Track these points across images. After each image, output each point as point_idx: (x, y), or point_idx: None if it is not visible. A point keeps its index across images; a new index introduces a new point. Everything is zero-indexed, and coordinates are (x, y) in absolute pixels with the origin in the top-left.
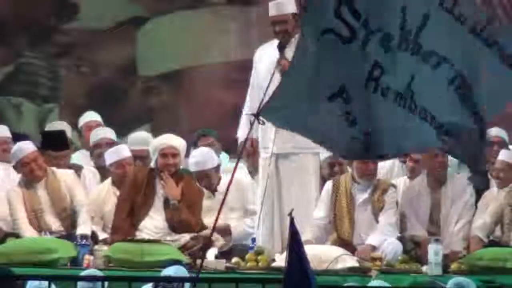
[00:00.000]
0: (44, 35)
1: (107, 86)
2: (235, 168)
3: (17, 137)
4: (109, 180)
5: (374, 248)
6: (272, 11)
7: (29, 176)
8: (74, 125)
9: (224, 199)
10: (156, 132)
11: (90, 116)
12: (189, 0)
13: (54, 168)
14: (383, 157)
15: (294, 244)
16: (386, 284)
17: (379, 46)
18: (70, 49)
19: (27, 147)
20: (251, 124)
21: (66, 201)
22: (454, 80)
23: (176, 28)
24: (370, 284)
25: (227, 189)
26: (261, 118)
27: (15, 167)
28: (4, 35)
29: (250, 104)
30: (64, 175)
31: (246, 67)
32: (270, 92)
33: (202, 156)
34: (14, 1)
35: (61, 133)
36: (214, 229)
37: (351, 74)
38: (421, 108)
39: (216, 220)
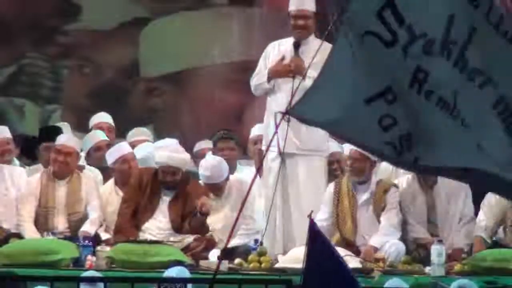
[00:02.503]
0: (47, 36)
1: (109, 87)
2: (255, 176)
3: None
4: (111, 181)
5: (376, 250)
6: (292, 6)
7: (54, 166)
8: (76, 126)
9: (241, 210)
10: (158, 133)
11: (101, 118)
12: (191, 1)
13: (78, 171)
14: (416, 163)
15: (314, 247)
16: (404, 285)
17: (422, 52)
18: (73, 50)
19: (69, 140)
20: (276, 122)
21: (81, 205)
22: (497, 104)
23: (178, 29)
24: (387, 285)
25: (244, 200)
26: (287, 117)
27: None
28: (7, 35)
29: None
30: (88, 179)
31: (248, 68)
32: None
33: (214, 171)
34: (17, 1)
35: (56, 127)
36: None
37: (395, 76)
38: (463, 118)
39: (232, 231)
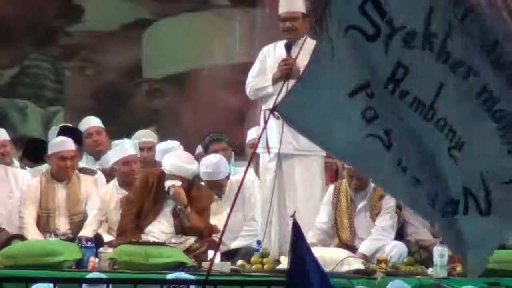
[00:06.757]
0: (49, 37)
1: (112, 88)
2: (245, 172)
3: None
4: (114, 181)
5: (366, 258)
6: (283, 8)
7: (58, 171)
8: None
9: (233, 205)
10: (160, 135)
11: (91, 122)
12: (193, 3)
13: (77, 171)
14: (401, 163)
15: (297, 248)
16: (407, 286)
17: (403, 45)
18: (75, 51)
19: (70, 143)
20: (265, 119)
21: (81, 206)
22: (481, 93)
23: (181, 30)
24: (389, 286)
25: (236, 195)
26: (276, 113)
27: (47, 157)
28: (9, 37)
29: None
30: (86, 181)
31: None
32: (284, 90)
33: (215, 168)
34: (19, 3)
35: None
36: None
37: (375, 73)
38: (439, 119)
39: (225, 226)
